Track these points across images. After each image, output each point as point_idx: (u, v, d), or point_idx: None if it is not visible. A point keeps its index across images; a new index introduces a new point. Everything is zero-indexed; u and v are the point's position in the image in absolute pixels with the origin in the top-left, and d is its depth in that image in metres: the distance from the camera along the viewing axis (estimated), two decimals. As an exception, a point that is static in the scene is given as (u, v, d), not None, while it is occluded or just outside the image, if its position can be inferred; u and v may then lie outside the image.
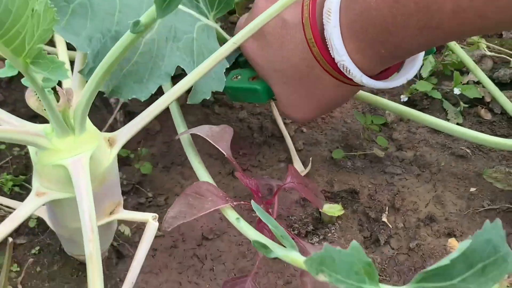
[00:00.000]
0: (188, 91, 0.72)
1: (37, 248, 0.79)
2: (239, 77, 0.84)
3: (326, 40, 0.66)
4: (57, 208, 0.68)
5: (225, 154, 0.72)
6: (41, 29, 0.48)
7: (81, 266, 0.77)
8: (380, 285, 0.50)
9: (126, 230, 0.82)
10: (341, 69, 0.67)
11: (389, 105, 0.87)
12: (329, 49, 0.66)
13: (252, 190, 0.72)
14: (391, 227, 0.83)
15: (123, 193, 0.87)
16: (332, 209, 0.82)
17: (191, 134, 0.78)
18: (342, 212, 0.83)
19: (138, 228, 0.83)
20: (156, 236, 0.81)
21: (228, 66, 0.79)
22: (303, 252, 0.70)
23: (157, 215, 0.67)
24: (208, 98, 0.75)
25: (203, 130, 0.75)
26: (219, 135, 0.75)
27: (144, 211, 0.85)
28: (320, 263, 0.51)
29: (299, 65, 0.71)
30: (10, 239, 0.67)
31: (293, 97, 0.75)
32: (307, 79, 0.72)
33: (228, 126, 0.76)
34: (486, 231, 0.47)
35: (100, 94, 0.97)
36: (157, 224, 0.67)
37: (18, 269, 0.77)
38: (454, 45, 0.92)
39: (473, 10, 0.55)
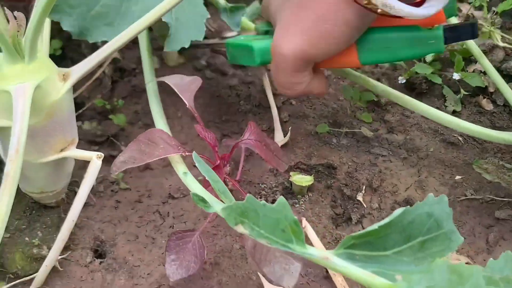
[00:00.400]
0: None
1: None
2: (241, 38, 0.83)
3: None
4: (5, 137, 0.67)
5: (186, 104, 0.70)
6: None
7: (35, 204, 0.77)
8: (307, 246, 0.49)
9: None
10: None
11: (378, 87, 0.83)
12: None
13: (209, 143, 0.70)
14: (365, 206, 0.79)
15: (97, 143, 0.87)
16: (302, 180, 0.79)
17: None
18: (311, 183, 0.79)
19: (104, 179, 0.82)
20: (122, 189, 0.82)
21: (208, 17, 0.77)
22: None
23: (102, 154, 0.66)
24: (186, 47, 0.73)
25: (173, 79, 0.74)
26: (186, 86, 0.73)
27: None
28: (240, 214, 0.50)
29: None
30: None
31: (288, 19, 0.69)
32: None
33: (198, 78, 0.74)
34: (428, 204, 0.47)
35: (92, 46, 0.97)
36: (100, 162, 0.65)
37: None
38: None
39: None
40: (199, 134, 0.70)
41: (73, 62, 0.97)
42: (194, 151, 0.61)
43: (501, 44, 0.98)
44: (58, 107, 0.66)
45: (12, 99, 0.61)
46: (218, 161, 0.69)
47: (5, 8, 0.61)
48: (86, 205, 0.79)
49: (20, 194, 0.77)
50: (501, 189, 0.82)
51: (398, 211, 0.45)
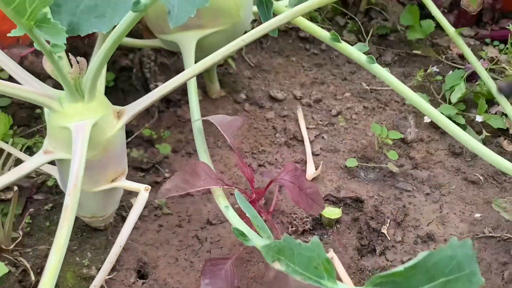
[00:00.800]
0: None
1: (50, 205, 0.83)
2: None
3: None
4: (63, 169, 0.71)
5: (228, 141, 0.73)
6: (40, -3, 0.51)
7: (86, 227, 0.80)
8: (338, 282, 0.50)
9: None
10: None
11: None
12: None
13: (247, 178, 0.73)
14: (389, 239, 0.81)
15: (143, 170, 0.90)
16: (331, 212, 0.81)
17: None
18: (339, 216, 0.82)
19: (149, 204, 0.85)
20: (165, 214, 0.85)
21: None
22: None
23: (149, 187, 0.69)
24: (192, 15, 0.71)
25: (216, 118, 0.77)
26: (228, 124, 0.76)
27: (158, 189, 0.87)
28: (277, 252, 0.52)
29: None
30: (16, 188, 0.71)
31: None
32: None
33: (239, 118, 0.77)
34: (451, 247, 0.47)
35: (141, 78, 1.01)
36: (147, 194, 0.68)
37: (30, 221, 0.80)
38: (487, 78, 0.90)
39: None
40: (240, 169, 0.73)
41: (124, 92, 1.02)
42: (236, 190, 0.64)
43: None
44: (112, 142, 0.69)
45: (72, 136, 0.65)
46: (254, 196, 0.72)
47: (69, 54, 0.65)
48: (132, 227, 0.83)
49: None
50: (518, 228, 0.83)
51: (423, 253, 0.47)
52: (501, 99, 0.89)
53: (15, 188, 0.72)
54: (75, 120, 0.65)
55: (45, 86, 0.70)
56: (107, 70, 1.01)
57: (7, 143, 0.82)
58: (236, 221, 0.67)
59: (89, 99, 0.67)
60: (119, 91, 1.01)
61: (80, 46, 0.98)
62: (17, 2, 0.49)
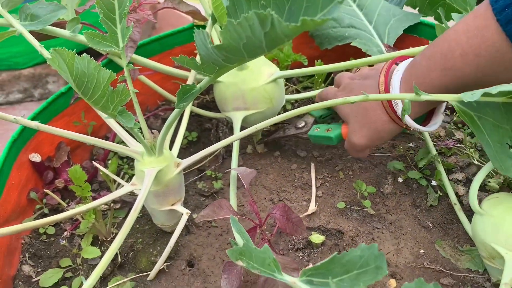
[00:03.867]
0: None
1: (140, 215, 0.92)
2: (318, 129, 0.96)
3: (390, 89, 0.76)
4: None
5: (245, 186, 0.80)
6: (119, 99, 0.61)
7: (160, 231, 0.88)
8: (283, 273, 0.53)
9: (196, 217, 0.92)
10: (394, 108, 0.76)
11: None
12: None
13: (253, 211, 0.79)
14: (357, 260, 0.84)
15: (204, 196, 0.98)
16: (316, 238, 0.86)
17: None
18: (323, 240, 0.86)
19: (205, 220, 0.92)
20: (213, 226, 0.92)
21: None
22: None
23: (189, 212, 0.77)
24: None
25: (240, 170, 0.83)
26: (247, 174, 0.82)
27: None
28: (240, 254, 0.56)
29: (369, 106, 0.81)
30: (112, 204, 0.82)
31: (358, 126, 0.84)
32: (371, 115, 0.81)
33: (253, 171, 0.82)
34: (360, 249, 0.48)
35: (216, 136, 1.10)
36: (187, 216, 0.77)
37: None
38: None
39: (472, 51, 0.61)
40: (249, 205, 0.79)
41: (204, 145, 1.11)
42: (232, 216, 0.71)
43: (476, 162, 0.99)
44: (171, 181, 0.77)
45: (144, 176, 0.75)
46: (254, 225, 0.78)
47: (151, 129, 0.76)
48: (190, 232, 0.90)
49: (152, 224, 0.89)
50: (449, 264, 0.83)
51: (340, 254, 0.48)
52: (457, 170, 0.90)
53: (112, 204, 0.84)
54: (148, 167, 0.75)
55: (137, 145, 0.81)
56: (194, 130, 1.12)
57: (119, 175, 0.94)
58: (239, 239, 0.71)
59: (159, 155, 0.77)
60: (201, 144, 1.11)
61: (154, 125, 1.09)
62: (102, 104, 0.60)
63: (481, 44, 0.60)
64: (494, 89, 0.56)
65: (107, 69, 0.57)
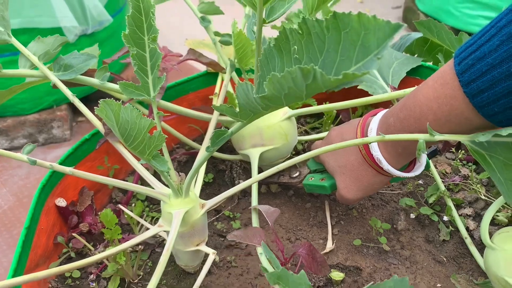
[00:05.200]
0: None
1: None
2: (313, 178, 0.98)
3: (369, 146, 0.80)
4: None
5: (270, 223, 0.82)
6: (154, 144, 0.65)
7: (183, 272, 0.90)
8: None
9: (216, 258, 0.94)
10: (377, 162, 0.79)
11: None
12: (370, 150, 0.79)
13: (279, 249, 0.81)
14: (376, 296, 0.86)
15: (223, 236, 1.00)
16: (336, 275, 0.88)
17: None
18: (343, 278, 0.88)
19: (224, 259, 0.95)
20: (233, 266, 0.92)
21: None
22: None
23: (215, 252, 0.80)
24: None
25: (263, 208, 0.85)
26: (270, 212, 0.84)
27: (231, 250, 0.97)
28: (277, 278, 0.58)
29: (354, 162, 0.84)
30: (140, 246, 0.84)
31: (348, 182, 0.86)
32: (358, 170, 0.84)
33: (277, 209, 0.84)
34: (393, 281, 0.52)
35: (231, 177, 1.13)
36: (213, 256, 0.79)
37: (151, 264, 0.92)
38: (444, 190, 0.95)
39: (444, 117, 0.65)
40: (276, 242, 0.81)
41: (219, 186, 1.14)
42: (263, 242, 0.73)
43: (483, 197, 1.03)
44: (197, 222, 0.80)
45: (172, 218, 0.78)
46: (283, 260, 0.80)
47: (178, 172, 0.79)
48: (211, 273, 0.92)
49: (174, 264, 0.91)
50: (466, 297, 0.86)
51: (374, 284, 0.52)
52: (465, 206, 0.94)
53: (140, 246, 0.86)
54: (175, 209, 0.77)
55: (163, 187, 0.84)
56: (209, 172, 1.15)
57: (141, 217, 0.97)
58: (265, 262, 0.74)
59: (185, 196, 0.79)
60: (216, 185, 1.13)
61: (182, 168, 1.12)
62: (140, 149, 0.64)
63: (451, 111, 0.64)
64: (504, 131, 0.60)
65: (147, 118, 0.61)
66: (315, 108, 1.04)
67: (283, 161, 1.07)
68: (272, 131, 1.00)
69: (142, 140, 0.62)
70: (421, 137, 0.67)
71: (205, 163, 0.99)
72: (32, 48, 0.91)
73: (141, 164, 0.85)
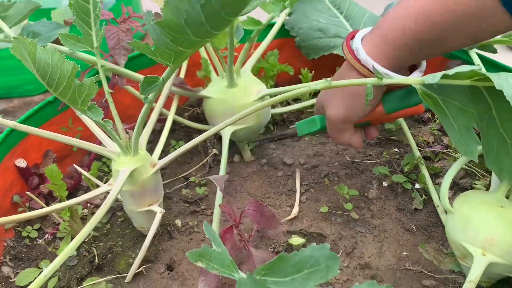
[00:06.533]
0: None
1: (122, 219, 0.92)
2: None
3: (354, 51, 0.72)
4: (121, 196, 0.82)
5: (218, 188, 0.79)
6: (86, 92, 0.63)
7: (140, 234, 0.88)
8: (240, 272, 0.52)
9: (178, 222, 0.92)
10: (357, 56, 0.71)
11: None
12: (354, 52, 0.72)
13: (227, 213, 0.78)
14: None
15: (189, 203, 0.98)
16: (295, 240, 0.85)
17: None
18: (303, 243, 0.85)
19: (187, 224, 0.93)
20: (196, 232, 0.91)
21: None
22: (248, 254, 0.75)
23: (163, 210, 0.77)
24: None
25: (213, 177, 0.81)
26: (219, 178, 0.80)
27: (196, 216, 0.94)
28: (199, 255, 0.56)
29: (341, 71, 0.77)
30: (91, 206, 0.82)
31: (332, 98, 0.78)
32: (341, 77, 0.75)
33: (226, 176, 0.80)
34: (310, 249, 0.48)
35: (204, 146, 1.11)
36: (161, 214, 0.77)
37: (109, 227, 0.91)
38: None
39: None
40: (223, 209, 0.78)
41: (191, 154, 1.12)
42: (205, 222, 0.70)
43: (464, 166, 0.98)
44: (147, 181, 0.78)
45: (118, 175, 0.76)
46: (230, 225, 0.77)
47: (126, 129, 0.77)
48: (172, 238, 0.90)
49: (132, 227, 0.89)
50: (432, 265, 0.81)
51: (291, 253, 0.48)
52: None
53: (92, 206, 0.84)
54: (123, 167, 0.76)
55: (114, 146, 0.82)
56: (181, 140, 1.13)
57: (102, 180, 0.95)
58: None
59: (134, 154, 0.78)
60: (188, 153, 1.11)
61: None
62: (69, 97, 0.62)
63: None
64: (450, 71, 0.56)
65: (70, 62, 0.59)
66: (288, 88, 0.99)
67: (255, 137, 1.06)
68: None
69: (68, 86, 0.60)
70: (369, 81, 0.64)
71: (170, 127, 0.96)
72: (4, 15, 0.90)
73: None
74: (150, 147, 1.04)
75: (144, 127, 0.77)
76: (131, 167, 0.76)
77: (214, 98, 1.00)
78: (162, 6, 0.45)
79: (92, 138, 1.06)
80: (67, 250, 0.63)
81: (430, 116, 1.16)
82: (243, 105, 0.97)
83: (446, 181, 0.75)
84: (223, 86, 0.99)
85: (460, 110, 0.62)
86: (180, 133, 1.16)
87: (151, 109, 0.90)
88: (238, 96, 0.98)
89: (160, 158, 0.84)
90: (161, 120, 1.16)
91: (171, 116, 0.97)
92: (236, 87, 0.99)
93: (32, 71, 0.58)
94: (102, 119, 0.66)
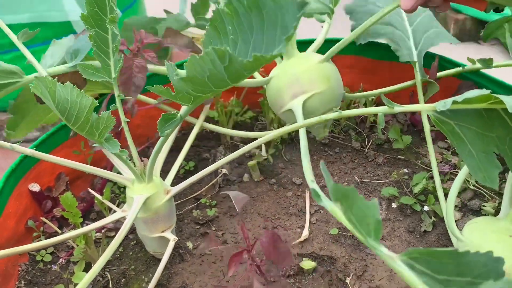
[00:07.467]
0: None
1: (134, 243, 0.93)
2: None
3: None
4: (135, 222, 0.82)
5: (237, 209, 0.79)
6: (104, 125, 0.64)
7: (152, 258, 0.89)
8: (379, 243, 0.42)
9: (190, 245, 0.93)
10: None
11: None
12: None
13: (245, 237, 0.78)
14: (350, 287, 0.83)
15: (199, 224, 0.98)
16: (307, 264, 0.85)
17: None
18: (314, 267, 0.85)
19: (198, 247, 0.93)
20: (207, 254, 0.92)
21: None
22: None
23: (176, 238, 0.78)
24: None
25: (233, 193, 0.82)
26: (239, 199, 0.82)
27: (207, 237, 0.95)
28: (342, 196, 0.45)
29: None
30: (105, 231, 0.83)
31: None
32: None
33: (247, 196, 0.81)
34: (485, 256, 0.38)
35: (212, 160, 1.11)
36: (174, 242, 0.78)
37: (122, 250, 0.92)
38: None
39: None
40: (241, 230, 0.78)
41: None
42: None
43: (471, 187, 0.98)
44: (161, 208, 0.79)
45: (133, 203, 0.77)
46: (243, 248, 0.77)
47: (141, 157, 0.78)
48: (183, 260, 0.90)
49: (145, 250, 0.90)
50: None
51: (460, 249, 0.38)
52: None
53: (106, 231, 0.85)
54: (137, 194, 0.77)
55: (129, 173, 0.83)
56: (191, 160, 1.14)
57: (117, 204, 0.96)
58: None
59: (148, 182, 0.78)
60: (199, 169, 1.12)
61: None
62: (87, 129, 0.63)
63: None
64: (459, 98, 0.56)
65: (89, 97, 0.60)
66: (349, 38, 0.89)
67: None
68: (310, 74, 0.87)
69: (87, 120, 0.61)
70: (381, 110, 0.64)
71: (186, 152, 0.97)
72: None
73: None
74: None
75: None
76: (145, 195, 0.77)
77: (274, 76, 0.92)
78: (185, 64, 0.47)
79: (103, 159, 1.07)
80: (84, 281, 0.64)
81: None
82: (307, 69, 0.88)
83: (450, 206, 0.75)
84: (279, 60, 0.95)
85: (478, 134, 0.61)
86: (189, 153, 1.17)
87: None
88: (299, 62, 0.91)
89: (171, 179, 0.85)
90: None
91: (189, 142, 0.98)
92: (294, 57, 0.93)
93: (51, 107, 0.59)
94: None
